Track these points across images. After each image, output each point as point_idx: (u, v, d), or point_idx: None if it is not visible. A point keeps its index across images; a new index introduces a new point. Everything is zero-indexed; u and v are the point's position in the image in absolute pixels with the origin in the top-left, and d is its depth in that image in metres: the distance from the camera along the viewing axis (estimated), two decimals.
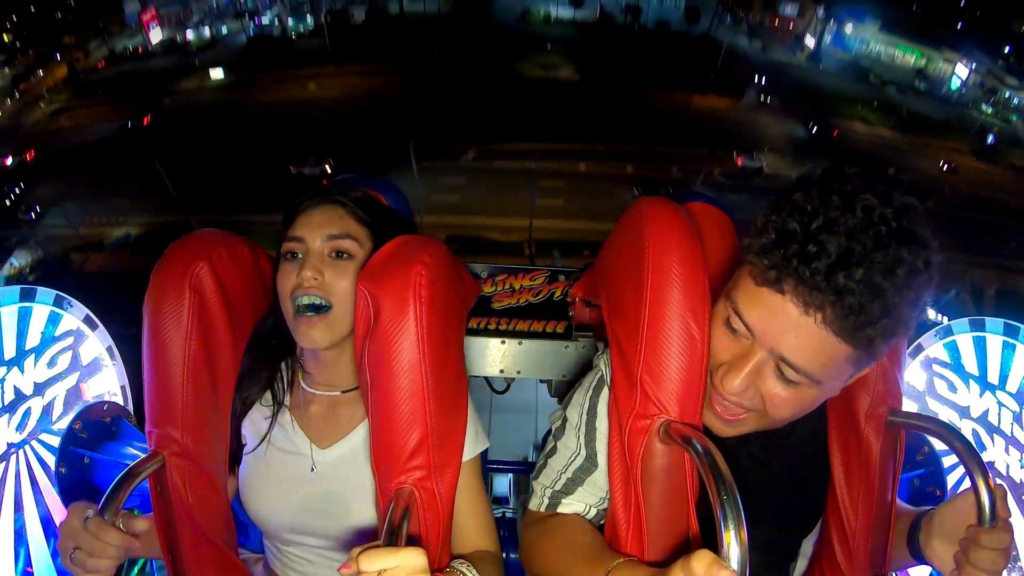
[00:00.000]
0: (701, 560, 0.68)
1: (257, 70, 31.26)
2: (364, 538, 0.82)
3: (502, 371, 1.73)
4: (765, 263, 0.81)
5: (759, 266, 0.83)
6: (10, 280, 18.39)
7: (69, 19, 40.66)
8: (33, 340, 1.79)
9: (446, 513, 1.03)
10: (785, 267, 0.79)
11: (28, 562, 1.68)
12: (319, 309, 1.13)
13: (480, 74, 29.29)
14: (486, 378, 1.81)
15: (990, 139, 31.05)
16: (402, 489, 0.97)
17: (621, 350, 1.00)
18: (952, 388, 2.03)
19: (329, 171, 21.52)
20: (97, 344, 1.92)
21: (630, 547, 0.98)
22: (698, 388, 0.94)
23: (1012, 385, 1.94)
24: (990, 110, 34.33)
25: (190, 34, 36.81)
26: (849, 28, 36.95)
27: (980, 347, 2.02)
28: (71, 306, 1.87)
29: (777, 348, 0.84)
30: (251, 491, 1.24)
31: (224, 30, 37.58)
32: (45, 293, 1.82)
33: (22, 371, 1.76)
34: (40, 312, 1.81)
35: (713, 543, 0.75)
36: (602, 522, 1.15)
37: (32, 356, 1.78)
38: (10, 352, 1.74)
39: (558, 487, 1.15)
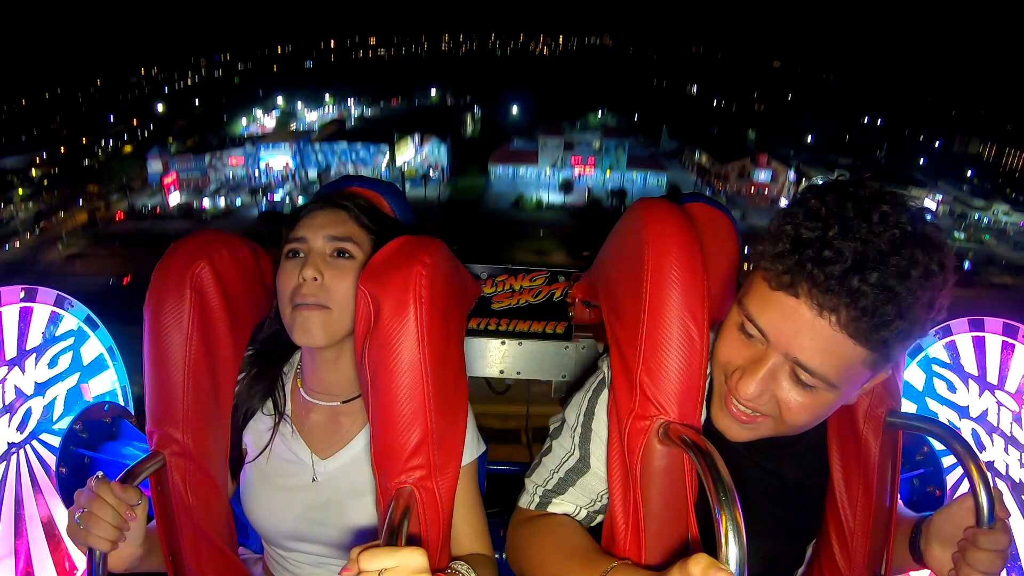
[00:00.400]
0: (698, 563, 0.68)
1: (267, 244, 32.75)
2: (364, 539, 0.82)
3: (502, 372, 1.73)
4: (780, 268, 0.82)
5: (773, 271, 0.84)
6: None
7: (95, 168, 43.50)
8: (34, 340, 1.78)
9: (446, 513, 1.03)
10: (800, 271, 0.80)
11: (28, 562, 1.68)
12: (317, 307, 1.13)
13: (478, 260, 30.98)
14: (486, 378, 1.81)
15: (967, 266, 32.50)
16: (402, 489, 0.97)
17: (620, 351, 1.00)
18: (951, 388, 2.03)
19: None
20: (98, 344, 1.91)
21: (628, 548, 0.98)
22: (697, 389, 0.94)
23: (1011, 385, 1.94)
24: (962, 236, 36.56)
25: (206, 202, 39.52)
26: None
27: (979, 347, 2.01)
28: (72, 306, 1.87)
29: (791, 351, 0.85)
30: (252, 499, 1.24)
31: (238, 202, 40.41)
32: (46, 293, 1.82)
33: (22, 371, 1.75)
34: (41, 312, 1.81)
35: (712, 545, 0.76)
36: (591, 525, 1.16)
37: (33, 356, 1.78)
38: (11, 352, 1.73)
39: (550, 486, 1.16)
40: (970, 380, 2.02)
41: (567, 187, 40.57)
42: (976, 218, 37.32)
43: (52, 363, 1.82)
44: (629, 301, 0.99)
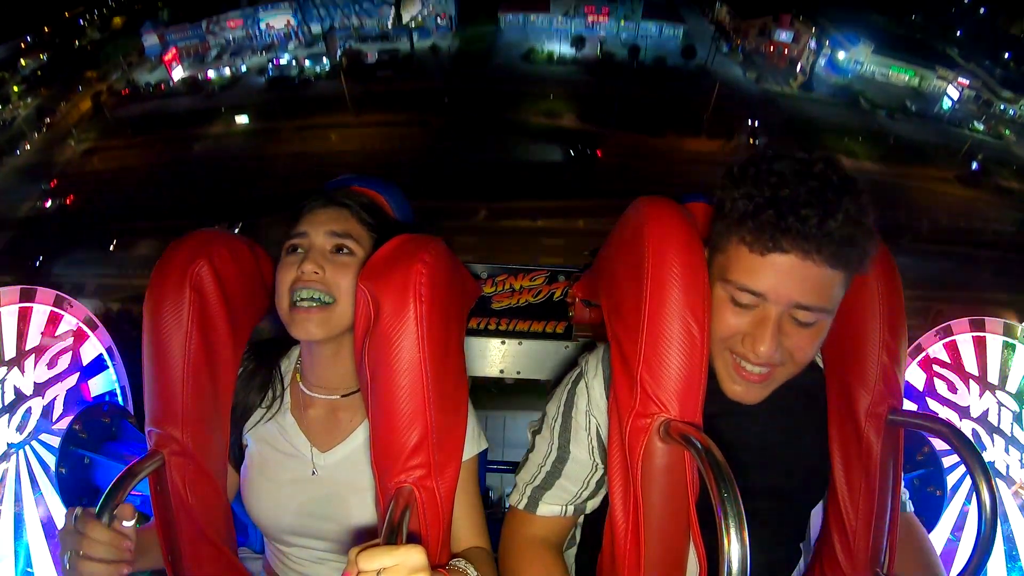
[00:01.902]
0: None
1: (279, 116, 32.22)
2: (364, 538, 0.81)
3: (502, 371, 1.72)
4: (766, 235, 0.92)
5: (759, 239, 0.93)
6: None
7: (88, 50, 41.28)
8: (33, 340, 1.79)
9: (446, 512, 1.03)
10: (786, 232, 0.91)
11: (28, 562, 1.68)
12: (317, 303, 1.13)
13: (488, 124, 30.26)
14: (486, 378, 1.81)
15: (974, 165, 31.22)
16: (402, 488, 0.97)
17: (621, 349, 1.00)
18: (952, 388, 2.03)
19: None
20: (97, 344, 1.92)
21: (628, 547, 0.98)
22: (698, 386, 0.94)
23: (1012, 385, 1.94)
24: (981, 127, 34.50)
25: (211, 73, 37.83)
26: (842, 55, 37.36)
27: (980, 347, 2.02)
28: (71, 306, 1.87)
29: (792, 298, 0.94)
30: (252, 493, 1.24)
31: (243, 68, 38.48)
32: (45, 293, 1.82)
33: (22, 371, 1.76)
34: (40, 312, 1.81)
35: (713, 544, 0.75)
36: (580, 519, 1.19)
37: (32, 356, 1.78)
38: (10, 352, 1.74)
39: (537, 483, 1.18)
40: (971, 380, 2.02)
41: (579, 42, 38.27)
42: (1001, 109, 34.85)
43: (51, 363, 1.82)
44: (630, 299, 0.99)
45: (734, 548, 0.71)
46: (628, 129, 30.58)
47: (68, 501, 1.59)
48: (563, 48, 38.75)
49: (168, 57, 37.03)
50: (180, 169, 28.85)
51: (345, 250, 1.16)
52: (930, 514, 1.67)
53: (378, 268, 1.02)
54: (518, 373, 1.73)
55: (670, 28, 40.60)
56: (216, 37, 39.63)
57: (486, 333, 1.69)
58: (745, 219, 0.94)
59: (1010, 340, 1.98)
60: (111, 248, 23.87)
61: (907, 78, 37.14)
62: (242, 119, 32.34)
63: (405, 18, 38.48)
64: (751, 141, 30.65)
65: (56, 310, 1.84)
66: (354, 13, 39.57)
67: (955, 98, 35.64)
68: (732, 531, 0.72)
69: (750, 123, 31.84)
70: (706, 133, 30.73)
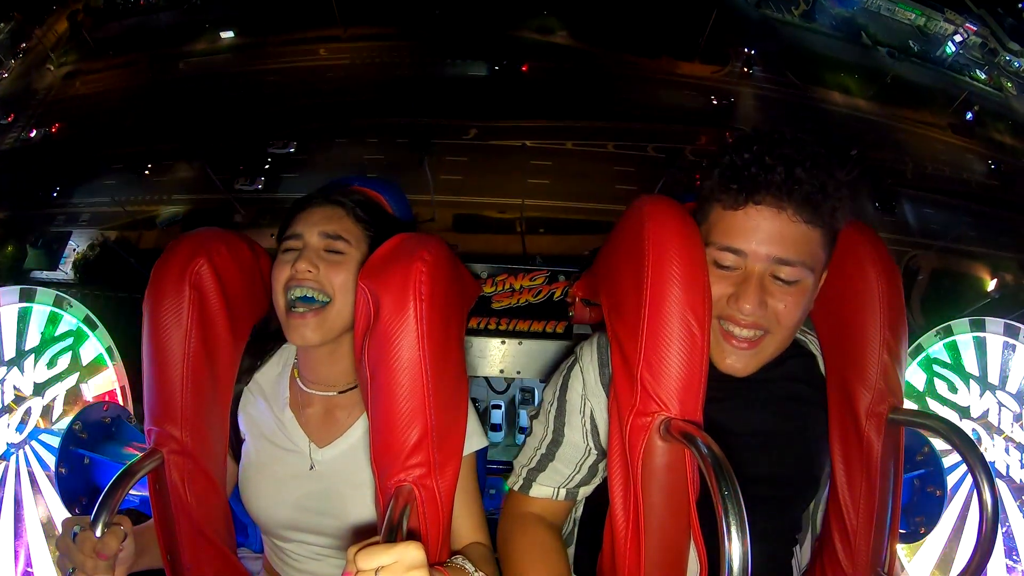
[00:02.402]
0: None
1: (266, 31, 30.81)
2: (364, 536, 0.81)
3: (502, 371, 1.72)
4: (735, 187, 0.98)
5: (730, 195, 0.99)
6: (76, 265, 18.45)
7: None
8: (33, 340, 1.79)
9: (446, 511, 1.03)
10: (753, 182, 0.97)
11: (28, 562, 1.67)
12: (311, 301, 1.13)
13: (478, 38, 29.17)
14: (486, 378, 1.81)
15: (969, 115, 30.34)
16: (402, 487, 0.96)
17: (621, 348, 1.00)
18: (952, 388, 2.03)
19: (292, 151, 21.93)
20: (97, 344, 1.91)
21: (628, 545, 0.98)
22: (699, 384, 0.94)
23: (1012, 385, 1.94)
24: (983, 76, 33.46)
25: None
26: None
27: (980, 347, 2.02)
28: (71, 306, 1.87)
29: (771, 252, 0.98)
30: (249, 488, 1.24)
31: None
32: (45, 293, 1.82)
33: (22, 371, 1.76)
34: (40, 312, 1.81)
35: (714, 542, 0.75)
36: (571, 502, 1.22)
37: (32, 356, 1.78)
38: (10, 352, 1.74)
39: (532, 465, 1.21)
40: (971, 380, 2.02)
41: None
42: (1007, 60, 33.76)
43: (51, 363, 1.82)
44: (630, 298, 0.99)
45: (735, 547, 0.71)
46: (622, 50, 29.66)
47: (68, 501, 1.59)
48: None
49: None
50: (167, 90, 27.64)
51: (338, 249, 1.16)
52: (930, 514, 1.67)
53: (378, 266, 1.02)
54: (518, 373, 1.73)
55: None
56: None
57: (486, 333, 1.69)
58: (719, 182, 1.01)
59: (1011, 340, 1.98)
60: (101, 177, 22.95)
61: (913, 16, 36.09)
62: (227, 34, 30.92)
63: None
64: (745, 70, 30.03)
65: (56, 310, 1.84)
66: None
67: (958, 43, 34.57)
68: (733, 529, 0.72)
69: (746, 51, 30.93)
70: (700, 57, 30.03)
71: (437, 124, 23.25)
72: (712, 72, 29.69)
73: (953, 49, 34.69)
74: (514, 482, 1.24)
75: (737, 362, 1.05)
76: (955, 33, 34.66)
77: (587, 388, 1.15)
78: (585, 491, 1.21)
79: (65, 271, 18.44)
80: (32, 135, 26.34)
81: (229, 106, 25.56)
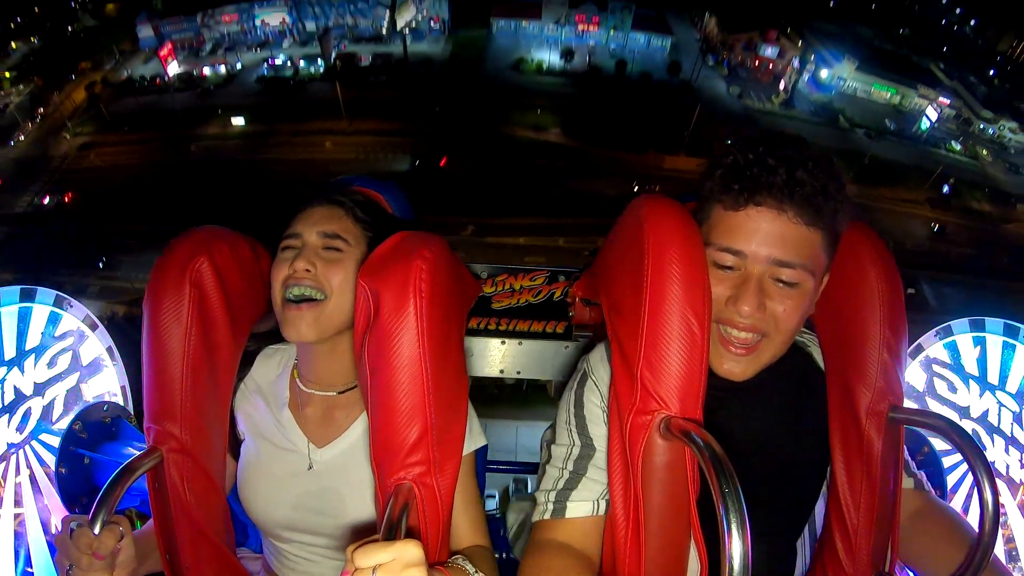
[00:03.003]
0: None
1: (275, 119, 32.48)
2: (363, 535, 0.81)
3: (502, 371, 1.72)
4: (737, 188, 0.98)
5: (731, 195, 0.99)
6: None
7: (81, 37, 40.69)
8: (33, 340, 1.79)
9: (446, 509, 1.03)
10: (755, 183, 0.96)
11: (28, 562, 1.67)
12: (309, 300, 1.13)
13: (477, 136, 30.73)
14: (486, 378, 1.81)
15: (945, 189, 31.62)
16: (401, 485, 0.96)
17: (621, 347, 1.00)
18: (952, 388, 2.03)
19: None
20: (97, 344, 1.91)
21: (628, 545, 0.98)
22: (698, 383, 0.94)
23: (1012, 385, 1.94)
24: (958, 147, 34.71)
25: (206, 70, 37.92)
26: (824, 73, 37.71)
27: (980, 347, 2.02)
28: (71, 306, 1.87)
29: (772, 254, 0.98)
30: (247, 488, 1.24)
31: (238, 65, 38.54)
32: (45, 293, 1.82)
33: (22, 371, 1.76)
34: (40, 312, 1.81)
35: (714, 541, 0.75)
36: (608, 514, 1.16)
37: (32, 356, 1.78)
38: (10, 352, 1.74)
39: (561, 485, 1.11)
40: (971, 380, 2.02)
41: (568, 55, 39.07)
42: (980, 128, 35.46)
43: (51, 363, 1.82)
44: (630, 296, 0.99)
45: (735, 545, 0.71)
46: (609, 147, 31.06)
47: (68, 501, 1.59)
48: (552, 58, 39.37)
49: (164, 53, 36.95)
50: (177, 170, 28.83)
51: (337, 247, 1.16)
52: None
53: (378, 264, 1.02)
54: (518, 373, 1.73)
55: (658, 39, 41.19)
56: (211, 31, 39.54)
57: (486, 333, 1.69)
58: (720, 183, 1.01)
59: (1010, 340, 1.98)
60: (112, 252, 23.85)
61: (888, 95, 37.50)
62: (238, 120, 32.43)
63: (400, 23, 38.77)
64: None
65: (56, 310, 1.84)
66: (349, 13, 39.66)
67: (933, 119, 36.13)
68: (733, 528, 0.72)
69: (729, 142, 32.18)
70: (686, 151, 31.07)
71: (436, 221, 23.93)
72: (696, 165, 31.03)
73: (928, 124, 36.11)
74: (542, 513, 1.12)
75: (735, 367, 1.05)
76: (929, 107, 36.12)
77: (604, 400, 1.12)
78: None
79: None
80: (45, 202, 27.35)
81: (237, 191, 26.44)
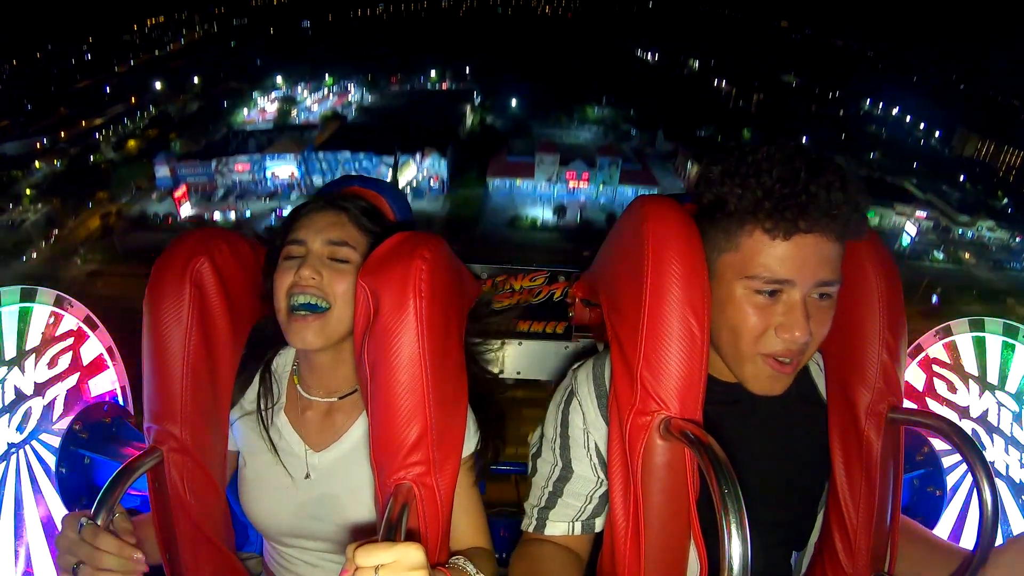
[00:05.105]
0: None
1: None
2: (363, 536, 0.81)
3: (501, 372, 1.72)
4: (788, 216, 0.93)
5: (780, 222, 0.94)
6: None
7: (102, 168, 43.02)
8: (33, 340, 1.78)
9: (445, 509, 1.02)
10: (803, 212, 0.93)
11: (28, 562, 1.67)
12: (314, 308, 1.13)
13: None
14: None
15: (934, 299, 32.16)
16: (401, 485, 0.96)
17: (621, 347, 1.00)
18: (952, 388, 2.03)
19: None
20: (97, 344, 1.91)
21: (628, 546, 0.98)
22: (699, 383, 0.94)
23: (1012, 385, 1.94)
24: (941, 256, 35.81)
25: (217, 215, 39.69)
26: None
27: (980, 347, 2.01)
28: (71, 306, 1.87)
29: (817, 277, 0.96)
30: (248, 495, 1.24)
31: (247, 213, 40.30)
32: (45, 293, 1.82)
33: (22, 371, 1.75)
34: (40, 312, 1.81)
35: (714, 542, 0.75)
36: (590, 535, 1.17)
37: (32, 356, 1.78)
38: (10, 352, 1.73)
39: (542, 504, 1.18)
40: (970, 380, 2.02)
41: (561, 211, 41.73)
42: (960, 233, 37.21)
43: (51, 363, 1.82)
44: (630, 297, 0.99)
45: (735, 546, 0.71)
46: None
47: (68, 501, 1.59)
48: (546, 214, 41.88)
49: (178, 195, 38.87)
50: None
51: (343, 257, 1.16)
52: (930, 514, 1.67)
53: (378, 264, 1.02)
54: (518, 373, 1.73)
55: (645, 190, 43.00)
56: (224, 177, 41.75)
57: (486, 333, 1.68)
58: (760, 206, 0.94)
59: (1010, 340, 1.97)
60: None
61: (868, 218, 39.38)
62: None
63: (401, 182, 40.78)
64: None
65: (56, 310, 1.83)
66: (354, 170, 41.77)
67: (913, 234, 37.45)
68: (733, 529, 0.72)
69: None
70: None
71: None
72: None
73: (909, 239, 37.55)
74: (527, 524, 1.20)
75: (776, 384, 1.03)
76: (908, 223, 37.53)
77: (588, 422, 1.13)
78: (601, 522, 1.17)
79: None
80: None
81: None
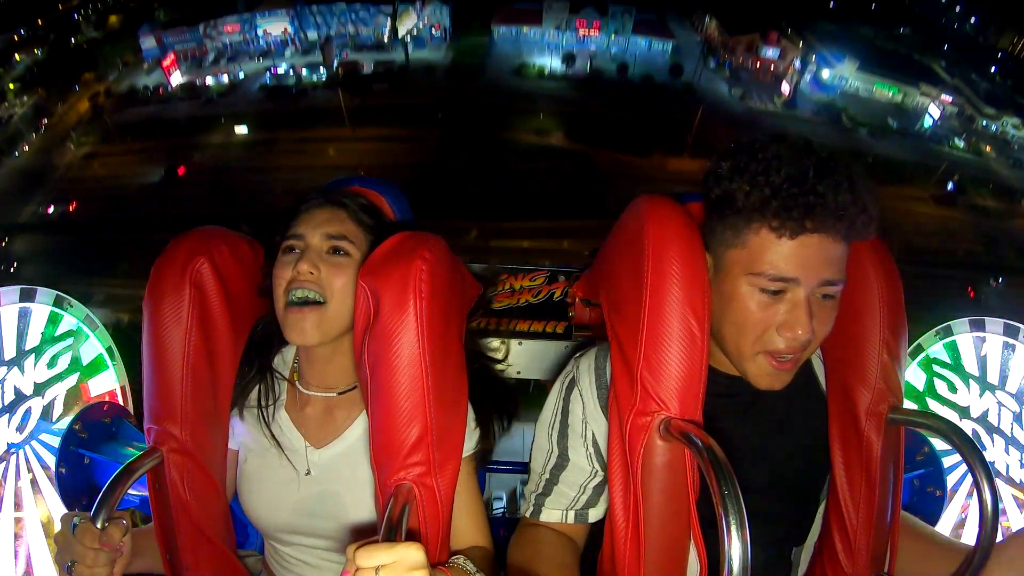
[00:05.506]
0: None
1: (278, 126, 32.96)
2: (363, 536, 0.81)
3: (501, 372, 1.72)
4: (795, 215, 0.92)
5: (787, 221, 0.93)
6: None
7: (84, 48, 41.32)
8: (33, 340, 1.79)
9: (446, 510, 1.02)
10: (811, 212, 0.92)
11: (28, 562, 1.67)
12: (311, 303, 1.12)
13: (480, 141, 31.15)
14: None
15: (950, 186, 31.73)
16: (401, 485, 0.96)
17: (621, 348, 1.00)
18: (952, 388, 2.03)
19: None
20: (97, 344, 1.91)
21: (628, 545, 0.98)
22: (698, 384, 0.94)
23: (1012, 385, 1.94)
24: (962, 144, 34.73)
25: (209, 79, 38.34)
26: (826, 73, 37.99)
27: (980, 347, 2.02)
28: (71, 306, 1.87)
29: (822, 276, 0.95)
30: (247, 492, 1.23)
31: (241, 75, 39.00)
32: (45, 293, 1.82)
33: (22, 371, 1.76)
34: (40, 312, 1.81)
35: (714, 542, 0.75)
36: (584, 524, 1.18)
37: (32, 356, 1.78)
38: (10, 352, 1.74)
39: (539, 490, 1.20)
40: (971, 380, 2.02)
41: (570, 60, 39.27)
42: (983, 125, 35.48)
43: (52, 363, 1.82)
44: (630, 297, 0.99)
45: (735, 546, 0.71)
46: (615, 149, 31.20)
47: (68, 501, 1.59)
48: (554, 63, 39.47)
49: (167, 63, 37.52)
50: (180, 179, 29.25)
51: (341, 251, 1.16)
52: (930, 514, 1.68)
53: (378, 265, 1.02)
54: (518, 373, 1.73)
55: (659, 43, 41.20)
56: (214, 41, 40.04)
57: (486, 333, 1.68)
58: (767, 205, 0.94)
59: (1010, 340, 1.98)
60: (117, 260, 23.97)
61: (890, 95, 37.69)
62: (241, 129, 32.85)
63: (401, 31, 39.17)
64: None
65: (56, 310, 1.84)
66: (350, 22, 40.18)
67: (936, 116, 36.32)
68: (733, 529, 0.72)
69: (732, 144, 32.87)
70: (690, 153, 31.27)
71: (439, 225, 25.26)
72: (701, 166, 31.90)
73: (931, 122, 36.39)
74: (525, 510, 1.23)
75: (775, 380, 1.03)
76: (932, 105, 36.27)
77: (587, 412, 1.14)
78: (595, 513, 1.18)
79: None
80: (50, 211, 27.92)
81: (240, 199, 26.78)
